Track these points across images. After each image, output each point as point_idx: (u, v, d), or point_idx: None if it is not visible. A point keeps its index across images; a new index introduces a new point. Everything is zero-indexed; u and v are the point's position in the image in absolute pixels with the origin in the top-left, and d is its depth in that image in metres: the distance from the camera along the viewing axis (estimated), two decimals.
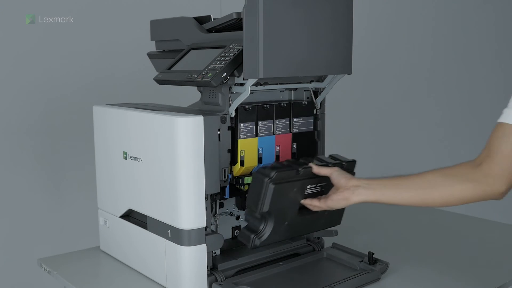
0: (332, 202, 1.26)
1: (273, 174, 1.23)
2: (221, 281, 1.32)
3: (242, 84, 1.32)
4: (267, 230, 1.28)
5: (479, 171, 1.10)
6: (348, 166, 1.36)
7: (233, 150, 1.35)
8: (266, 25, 1.20)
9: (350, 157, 1.38)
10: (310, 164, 1.30)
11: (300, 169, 1.28)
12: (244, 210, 1.40)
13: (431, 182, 1.15)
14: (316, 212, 1.33)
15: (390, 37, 3.46)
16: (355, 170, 1.38)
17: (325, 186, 1.34)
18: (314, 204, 1.30)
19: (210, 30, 1.46)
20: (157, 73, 1.47)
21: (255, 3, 1.19)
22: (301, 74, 1.34)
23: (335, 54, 1.35)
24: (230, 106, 1.32)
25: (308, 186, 1.32)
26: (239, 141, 1.35)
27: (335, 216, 1.41)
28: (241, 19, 1.20)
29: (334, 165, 1.33)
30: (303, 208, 1.33)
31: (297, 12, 1.25)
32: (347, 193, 1.24)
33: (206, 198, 1.29)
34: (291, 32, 1.25)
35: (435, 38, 3.62)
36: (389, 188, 1.20)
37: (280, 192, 1.25)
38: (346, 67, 1.39)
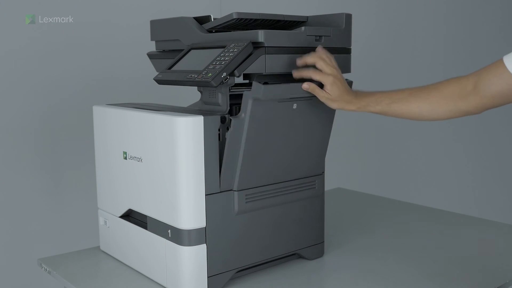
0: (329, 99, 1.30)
1: None
2: None
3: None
4: None
5: (464, 104, 1.22)
6: None
7: None
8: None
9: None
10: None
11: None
12: None
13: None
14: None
15: (390, 37, 3.46)
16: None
17: None
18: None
19: (210, 30, 1.46)
20: (157, 73, 1.47)
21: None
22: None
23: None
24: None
25: None
26: None
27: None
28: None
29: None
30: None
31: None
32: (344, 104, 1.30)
33: None
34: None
35: (437, 38, 3.62)
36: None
37: None
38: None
